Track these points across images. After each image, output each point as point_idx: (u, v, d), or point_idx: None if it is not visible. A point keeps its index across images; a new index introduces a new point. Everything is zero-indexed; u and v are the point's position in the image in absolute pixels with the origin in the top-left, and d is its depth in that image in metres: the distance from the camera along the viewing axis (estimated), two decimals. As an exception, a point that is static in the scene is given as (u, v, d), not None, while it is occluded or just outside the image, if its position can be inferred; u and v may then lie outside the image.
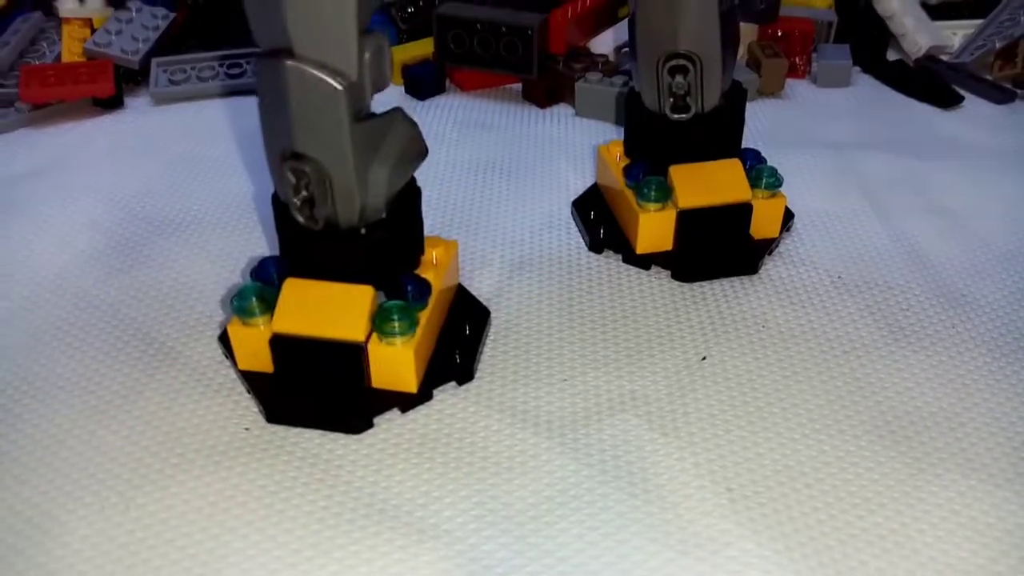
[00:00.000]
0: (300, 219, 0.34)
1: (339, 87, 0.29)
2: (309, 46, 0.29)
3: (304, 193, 0.33)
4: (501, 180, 0.53)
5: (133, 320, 0.41)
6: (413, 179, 0.36)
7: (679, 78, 0.42)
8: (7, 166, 0.55)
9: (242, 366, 0.36)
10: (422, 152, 0.35)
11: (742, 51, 0.66)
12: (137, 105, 0.64)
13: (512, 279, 0.44)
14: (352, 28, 0.28)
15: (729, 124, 0.45)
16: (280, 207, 0.35)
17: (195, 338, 0.40)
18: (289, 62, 0.29)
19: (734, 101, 0.44)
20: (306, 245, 0.35)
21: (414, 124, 0.34)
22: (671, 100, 0.43)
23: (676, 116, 0.43)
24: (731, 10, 0.42)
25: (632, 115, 0.45)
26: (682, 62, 0.41)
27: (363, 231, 0.34)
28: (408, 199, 0.36)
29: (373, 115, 0.32)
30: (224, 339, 0.38)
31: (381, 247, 0.34)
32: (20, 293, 0.43)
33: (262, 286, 0.36)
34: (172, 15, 0.69)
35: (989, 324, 0.40)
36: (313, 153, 0.31)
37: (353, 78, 0.30)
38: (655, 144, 0.44)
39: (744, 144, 0.46)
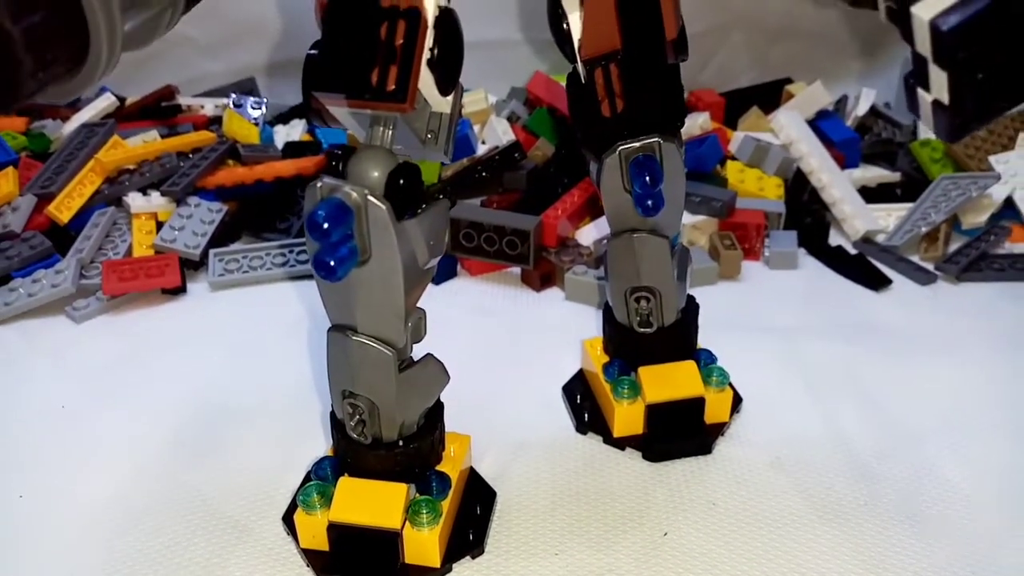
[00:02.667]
0: (353, 435, 0.45)
1: (390, 354, 0.41)
2: (369, 327, 0.41)
3: (358, 418, 0.44)
4: (502, 365, 0.64)
5: (212, 500, 0.51)
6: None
7: (643, 303, 0.53)
8: (94, 354, 0.67)
9: (303, 545, 0.47)
10: (445, 381, 0.46)
11: (704, 241, 0.79)
12: (197, 291, 0.76)
13: (514, 460, 0.54)
14: (402, 317, 0.40)
15: (685, 333, 0.56)
16: (337, 423, 0.46)
17: (263, 516, 0.50)
18: (354, 337, 0.41)
19: (689, 314, 0.56)
20: (357, 453, 0.45)
21: (440, 363, 0.45)
22: (638, 319, 0.54)
23: (642, 330, 0.55)
24: (681, 252, 0.54)
25: (608, 325, 0.57)
26: (644, 293, 0.53)
27: (400, 443, 0.45)
28: (434, 413, 0.47)
29: (413, 363, 0.44)
30: (287, 519, 0.49)
31: (414, 455, 0.45)
32: (120, 479, 0.53)
33: (320, 484, 0.46)
34: (225, 208, 0.82)
35: (894, 501, 0.50)
36: (366, 394, 0.43)
37: (400, 346, 0.41)
38: (626, 349, 0.56)
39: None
